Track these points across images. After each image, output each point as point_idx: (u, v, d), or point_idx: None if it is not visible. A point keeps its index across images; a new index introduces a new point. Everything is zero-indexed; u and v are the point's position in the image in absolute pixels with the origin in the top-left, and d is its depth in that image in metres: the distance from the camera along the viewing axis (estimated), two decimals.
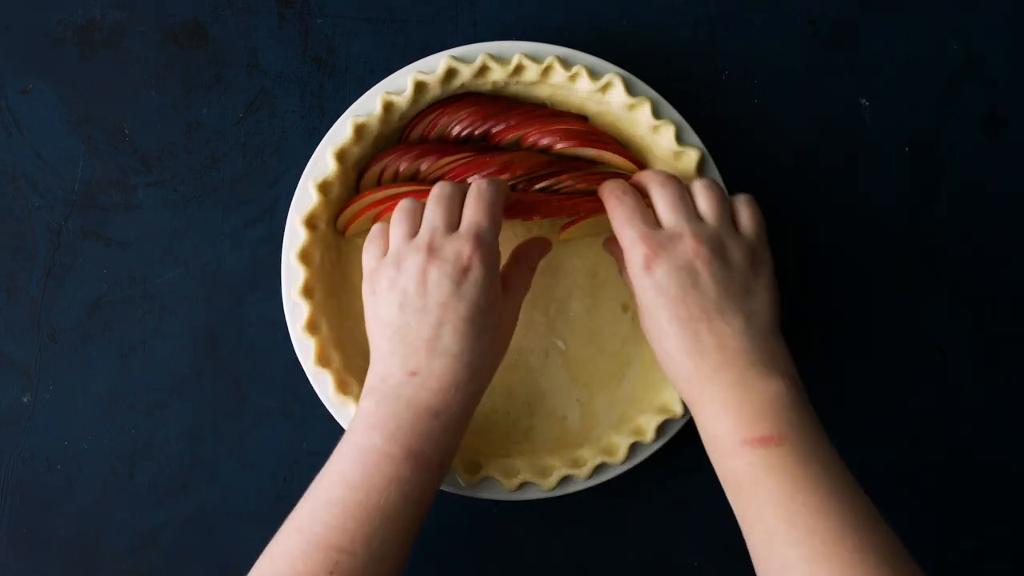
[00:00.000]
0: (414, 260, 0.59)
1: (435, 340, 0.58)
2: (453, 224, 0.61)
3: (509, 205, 0.66)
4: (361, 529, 0.55)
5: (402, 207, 0.63)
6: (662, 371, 0.70)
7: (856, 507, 0.54)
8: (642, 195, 0.64)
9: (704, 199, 0.62)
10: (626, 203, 0.62)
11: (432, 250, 0.59)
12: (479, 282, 0.58)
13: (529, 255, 0.66)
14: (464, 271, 0.58)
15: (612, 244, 0.67)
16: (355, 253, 0.71)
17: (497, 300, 0.60)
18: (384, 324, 0.60)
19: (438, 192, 0.62)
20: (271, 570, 0.56)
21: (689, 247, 0.59)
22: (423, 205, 0.63)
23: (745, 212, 0.63)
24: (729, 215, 0.62)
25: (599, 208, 0.69)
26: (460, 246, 0.59)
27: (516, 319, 0.63)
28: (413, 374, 0.58)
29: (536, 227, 0.72)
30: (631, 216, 0.61)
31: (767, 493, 0.54)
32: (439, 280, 0.58)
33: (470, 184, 0.63)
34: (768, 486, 0.54)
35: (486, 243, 0.59)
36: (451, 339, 0.58)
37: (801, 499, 0.53)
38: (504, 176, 0.70)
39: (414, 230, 0.62)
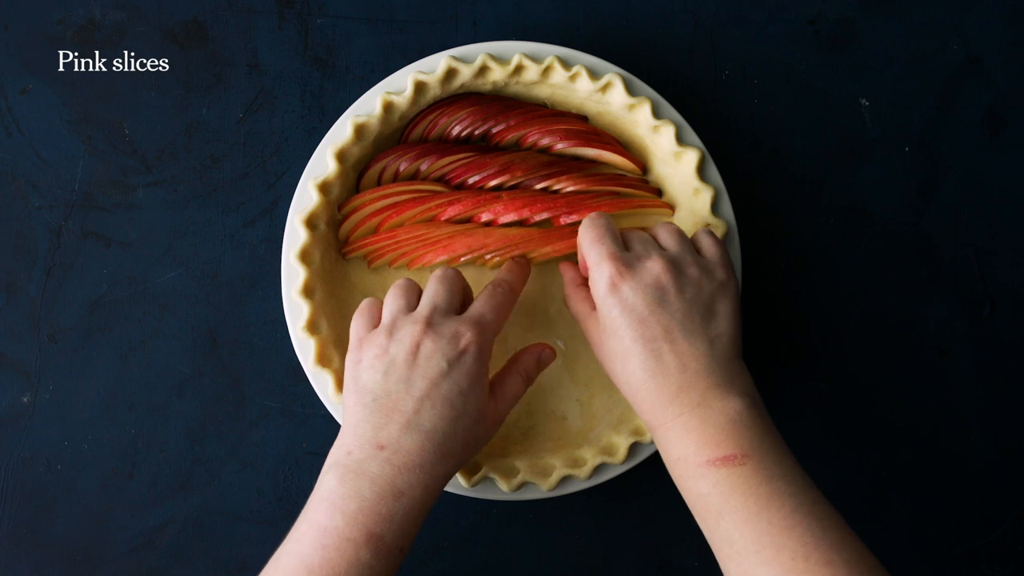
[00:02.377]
0: (409, 330, 0.58)
1: (412, 414, 0.57)
2: (454, 307, 0.61)
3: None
4: None
5: (398, 285, 0.62)
6: None
7: (823, 521, 0.54)
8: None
9: (666, 234, 0.63)
10: (598, 223, 0.62)
11: (430, 324, 0.58)
12: (469, 368, 0.58)
13: (527, 365, 0.65)
14: (460, 353, 0.58)
15: (566, 266, 0.67)
16: (355, 254, 0.71)
17: (481, 393, 0.59)
18: (364, 391, 0.58)
19: (441, 273, 0.62)
20: None
21: (657, 266, 0.59)
22: (418, 284, 0.63)
23: (706, 241, 0.64)
24: (691, 246, 0.63)
25: (604, 207, 0.70)
26: (460, 328, 0.58)
27: (499, 424, 0.62)
28: (381, 447, 0.56)
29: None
30: (602, 235, 0.61)
31: (733, 512, 0.54)
32: (431, 354, 0.57)
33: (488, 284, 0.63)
34: (733, 505, 0.54)
35: (487, 335, 0.59)
36: (428, 416, 0.57)
37: (767, 517, 0.54)
38: (504, 177, 0.70)
39: (410, 305, 0.61)
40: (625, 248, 0.61)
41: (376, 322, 0.62)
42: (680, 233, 0.63)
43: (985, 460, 0.74)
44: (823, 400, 0.74)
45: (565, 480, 0.68)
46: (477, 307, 0.61)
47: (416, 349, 0.57)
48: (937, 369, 0.74)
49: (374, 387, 0.58)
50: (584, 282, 0.65)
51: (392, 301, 0.61)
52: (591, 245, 0.61)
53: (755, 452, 0.55)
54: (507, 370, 0.64)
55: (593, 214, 0.63)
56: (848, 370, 0.74)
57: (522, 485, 0.67)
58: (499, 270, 0.66)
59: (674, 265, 0.59)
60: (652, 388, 0.58)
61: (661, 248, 0.62)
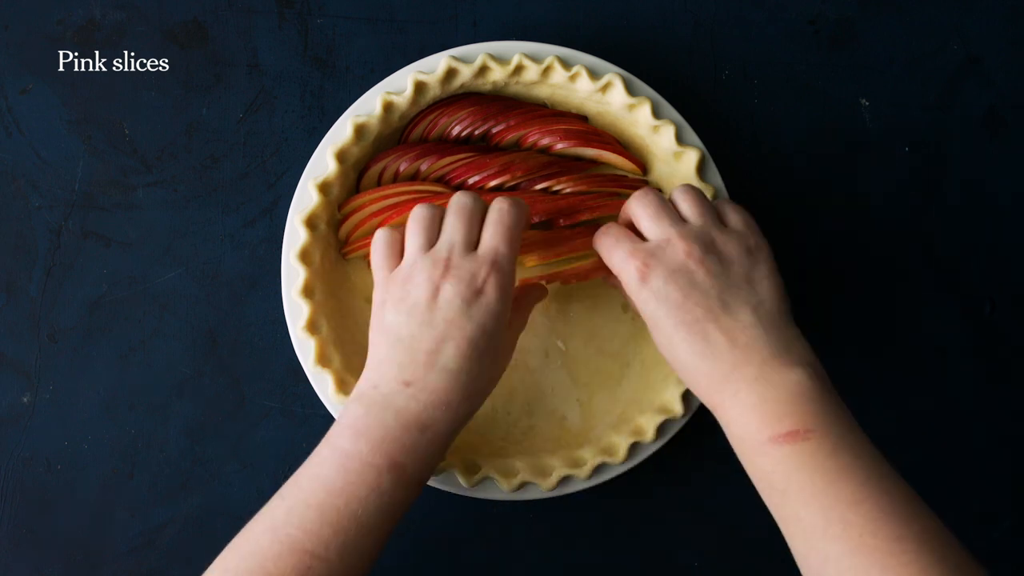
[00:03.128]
0: (429, 273, 0.59)
1: (435, 354, 0.57)
2: (472, 242, 0.60)
3: (531, 237, 0.65)
4: (336, 537, 0.54)
5: (418, 215, 0.61)
6: (662, 371, 0.70)
7: (892, 494, 0.53)
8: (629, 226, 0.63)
9: (685, 203, 0.61)
10: (608, 232, 0.61)
11: (448, 266, 0.58)
12: (490, 307, 0.58)
13: (527, 297, 0.66)
14: (477, 293, 0.58)
15: (613, 278, 0.65)
16: (355, 254, 0.71)
17: (502, 329, 0.59)
18: (388, 331, 0.59)
19: (459, 203, 0.61)
20: (240, 566, 0.55)
21: (679, 249, 0.58)
22: (440, 212, 0.62)
23: (730, 209, 0.62)
24: (714, 213, 0.61)
25: (604, 209, 0.70)
26: (477, 268, 0.58)
27: (511, 354, 0.63)
28: (407, 384, 0.57)
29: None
30: (617, 239, 0.60)
31: (799, 489, 0.53)
32: (451, 297, 0.58)
33: (492, 201, 0.62)
34: (800, 482, 0.53)
35: (503, 270, 0.59)
36: (451, 356, 0.57)
37: (834, 492, 0.52)
38: (504, 178, 0.70)
39: (430, 241, 0.61)
40: (643, 237, 0.60)
41: (399, 256, 0.62)
42: (700, 199, 0.61)
43: (985, 460, 0.74)
44: None
45: (565, 480, 0.68)
46: (488, 239, 0.60)
47: (436, 291, 0.58)
48: (937, 369, 0.74)
49: (397, 328, 0.59)
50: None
51: (412, 238, 0.61)
52: (610, 251, 0.61)
53: (819, 426, 0.54)
54: (513, 303, 0.63)
55: (602, 227, 0.63)
56: (848, 370, 0.74)
57: (522, 485, 0.67)
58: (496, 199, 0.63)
59: (698, 242, 0.58)
60: (705, 370, 0.57)
61: (682, 221, 0.60)
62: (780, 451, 0.54)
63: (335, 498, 0.55)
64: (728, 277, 0.58)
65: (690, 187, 0.62)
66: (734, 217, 0.62)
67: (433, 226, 0.61)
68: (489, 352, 0.59)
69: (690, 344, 0.57)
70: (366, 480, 0.55)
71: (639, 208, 0.61)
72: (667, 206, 0.61)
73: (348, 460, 0.56)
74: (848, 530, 0.52)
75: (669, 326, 0.58)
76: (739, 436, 0.56)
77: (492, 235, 0.60)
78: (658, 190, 0.63)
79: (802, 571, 0.54)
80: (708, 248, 0.58)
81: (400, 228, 0.63)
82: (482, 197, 0.69)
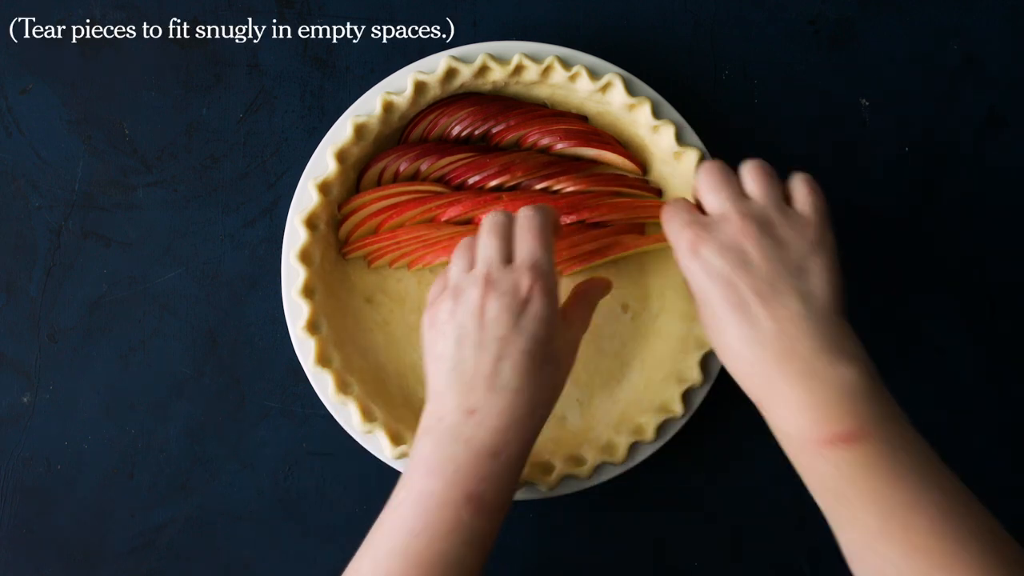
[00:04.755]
0: (471, 293, 0.57)
1: (494, 376, 0.55)
2: (508, 255, 0.59)
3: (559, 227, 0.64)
4: None
5: (461, 243, 0.61)
6: (662, 371, 0.70)
7: (950, 494, 0.52)
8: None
9: (751, 178, 0.60)
10: (671, 204, 0.61)
11: (490, 283, 0.57)
12: (539, 315, 0.56)
13: (590, 293, 0.64)
14: (523, 303, 0.56)
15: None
16: (355, 254, 0.71)
17: (557, 333, 0.57)
18: (441, 359, 0.57)
19: (491, 221, 0.60)
20: None
21: (735, 226, 0.56)
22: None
23: (802, 190, 0.60)
24: (779, 193, 0.59)
25: (605, 208, 0.70)
26: (518, 278, 0.57)
27: (575, 355, 0.60)
28: (471, 413, 0.55)
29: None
30: (676, 210, 0.59)
31: (857, 493, 0.52)
32: (498, 314, 0.56)
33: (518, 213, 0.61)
34: (857, 486, 0.52)
35: (544, 273, 0.57)
36: (510, 374, 0.55)
37: (893, 495, 0.51)
38: (504, 178, 0.70)
39: (471, 263, 0.60)
40: (704, 211, 0.59)
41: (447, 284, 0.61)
42: (767, 176, 0.59)
43: (985, 461, 0.74)
44: None
45: (565, 480, 0.68)
46: (523, 246, 0.58)
47: (481, 311, 0.56)
48: (937, 369, 0.74)
49: (450, 355, 0.57)
50: None
51: (455, 262, 0.60)
52: (669, 221, 0.59)
53: (875, 427, 0.52)
54: (573, 301, 0.62)
55: (670, 199, 0.62)
56: None
57: (522, 485, 0.67)
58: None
59: (755, 221, 0.57)
60: (751, 358, 0.55)
61: (744, 197, 0.59)
62: (836, 455, 0.52)
63: (417, 540, 0.54)
64: (781, 261, 0.56)
65: (760, 162, 0.60)
66: (803, 200, 0.59)
67: (473, 250, 0.60)
68: (549, 360, 0.57)
69: (737, 327, 0.55)
70: (445, 517, 0.54)
71: (702, 178, 0.60)
72: (731, 179, 0.59)
73: (424, 499, 0.55)
74: (908, 533, 0.50)
75: (717, 303, 0.56)
76: (788, 434, 0.55)
77: (525, 242, 0.59)
78: (723, 163, 0.61)
79: (854, 569, 0.53)
80: (764, 229, 0.57)
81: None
82: (481, 197, 0.69)
